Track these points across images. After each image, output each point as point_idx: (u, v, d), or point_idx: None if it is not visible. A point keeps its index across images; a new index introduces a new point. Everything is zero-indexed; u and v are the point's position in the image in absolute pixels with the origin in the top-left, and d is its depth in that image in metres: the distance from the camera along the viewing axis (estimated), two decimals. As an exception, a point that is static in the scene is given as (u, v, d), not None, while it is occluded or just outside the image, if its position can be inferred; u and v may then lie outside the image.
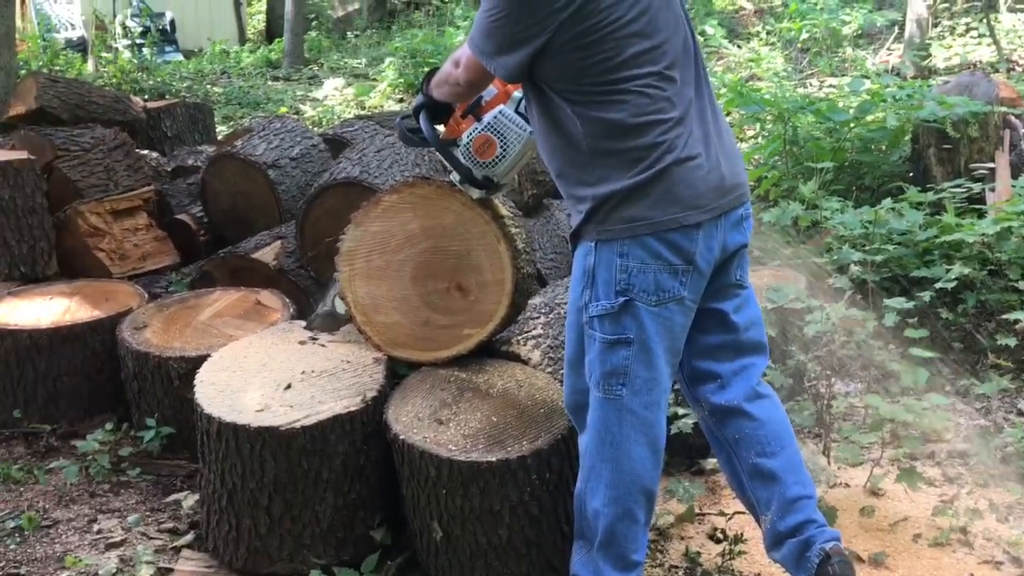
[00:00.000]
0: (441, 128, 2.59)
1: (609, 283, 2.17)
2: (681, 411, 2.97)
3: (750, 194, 2.33)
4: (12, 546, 2.84)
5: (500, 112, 2.51)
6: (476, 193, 2.67)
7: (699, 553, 2.74)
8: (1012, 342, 3.63)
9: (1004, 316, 3.83)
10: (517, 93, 2.48)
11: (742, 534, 2.71)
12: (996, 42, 10.26)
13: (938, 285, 3.88)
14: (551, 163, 2.29)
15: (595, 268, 2.19)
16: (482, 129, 2.52)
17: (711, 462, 3.16)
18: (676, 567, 2.70)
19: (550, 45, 2.10)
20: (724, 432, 2.36)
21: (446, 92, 2.44)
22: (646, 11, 2.12)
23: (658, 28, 2.14)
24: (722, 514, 2.92)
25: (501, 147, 2.53)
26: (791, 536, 2.29)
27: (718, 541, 2.80)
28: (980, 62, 10.66)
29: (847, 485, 3.09)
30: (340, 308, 3.02)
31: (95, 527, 2.96)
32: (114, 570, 2.67)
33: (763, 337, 2.41)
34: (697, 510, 2.94)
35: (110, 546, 2.84)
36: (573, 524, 2.40)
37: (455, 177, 2.64)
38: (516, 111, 2.50)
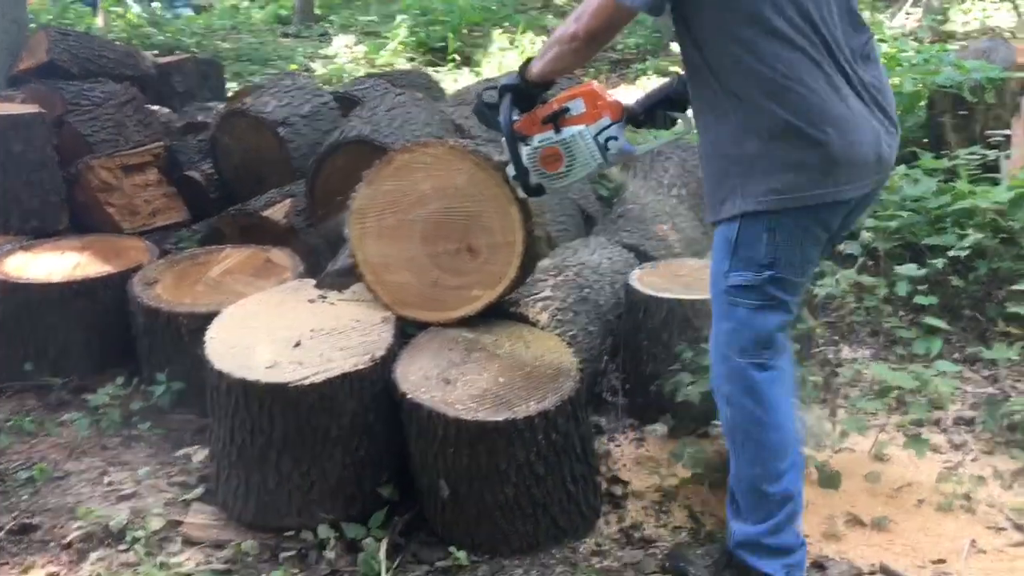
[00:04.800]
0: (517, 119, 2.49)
1: (755, 258, 2.16)
2: (688, 379, 2.98)
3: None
4: (25, 496, 2.88)
5: (580, 132, 2.40)
6: (521, 193, 2.61)
7: (702, 513, 2.76)
8: (1023, 310, 3.61)
9: (1015, 285, 3.81)
10: (604, 120, 2.39)
11: (746, 496, 2.72)
12: (1016, 7, 10.10)
13: (951, 253, 3.86)
14: (700, 129, 2.24)
15: (738, 239, 2.17)
16: (556, 141, 2.43)
17: (717, 426, 3.17)
18: (680, 527, 2.73)
19: None
20: None
21: (554, 55, 2.27)
22: None
23: None
24: (723, 479, 2.93)
25: (567, 166, 2.45)
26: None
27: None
28: (999, 27, 10.51)
29: (852, 450, 3.10)
30: (347, 233, 2.98)
31: (106, 479, 3.00)
32: (125, 521, 2.71)
33: None
34: (702, 473, 2.96)
35: (121, 498, 2.88)
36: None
37: (509, 171, 2.58)
38: (595, 138, 2.40)
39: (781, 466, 2.29)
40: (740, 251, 2.18)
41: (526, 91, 2.43)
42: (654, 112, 2.47)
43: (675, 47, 2.51)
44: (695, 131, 2.31)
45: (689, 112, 2.38)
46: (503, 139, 2.51)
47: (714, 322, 2.32)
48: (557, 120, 2.42)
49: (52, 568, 2.58)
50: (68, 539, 2.68)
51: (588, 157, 2.43)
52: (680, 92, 2.38)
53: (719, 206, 2.21)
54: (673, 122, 2.49)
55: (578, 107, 2.42)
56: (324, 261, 3.63)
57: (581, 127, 2.41)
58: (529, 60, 2.42)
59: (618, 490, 2.89)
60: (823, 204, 2.11)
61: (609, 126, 2.40)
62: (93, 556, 2.61)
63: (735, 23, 2.06)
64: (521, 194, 2.62)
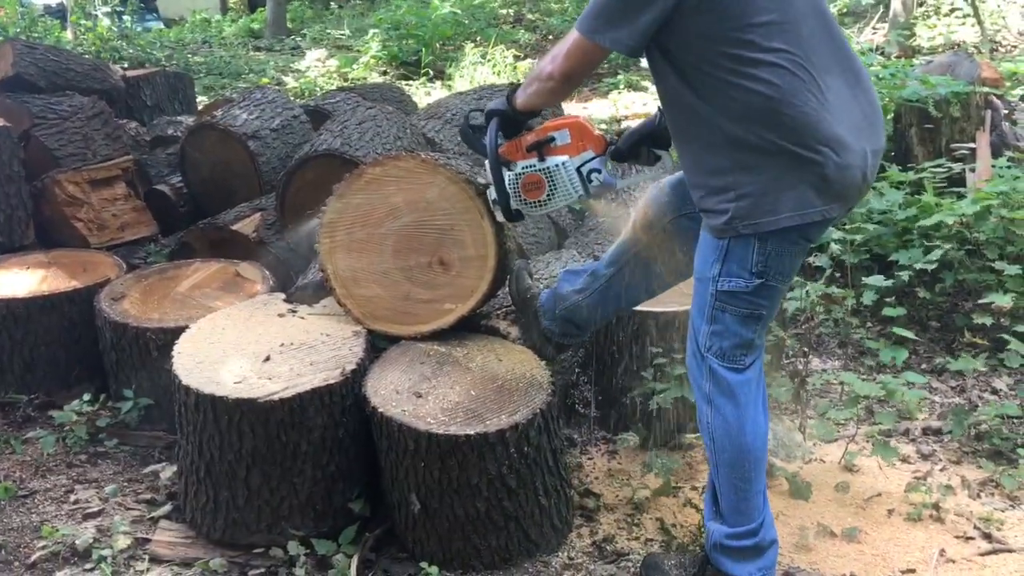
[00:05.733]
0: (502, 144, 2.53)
1: (745, 265, 2.17)
2: (659, 386, 2.99)
3: None
4: (-12, 516, 2.83)
5: (564, 163, 2.45)
6: (500, 217, 2.64)
7: (674, 525, 2.77)
8: (988, 321, 3.66)
9: (981, 295, 3.87)
10: (588, 153, 2.43)
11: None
12: (980, 22, 10.27)
13: (918, 266, 3.91)
14: (682, 152, 2.24)
15: (729, 247, 2.17)
16: (539, 169, 2.47)
17: (689, 437, 3.18)
18: (652, 540, 2.73)
19: (678, 9, 2.04)
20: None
21: (533, 91, 2.35)
22: None
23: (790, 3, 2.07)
24: (694, 489, 2.94)
25: (548, 195, 2.49)
26: None
27: (698, 509, 2.81)
28: (963, 42, 10.68)
29: (822, 461, 3.13)
30: (317, 246, 2.96)
31: (72, 497, 2.95)
32: (91, 540, 2.67)
33: None
34: (674, 484, 2.96)
35: (87, 516, 2.84)
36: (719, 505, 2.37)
37: (491, 194, 2.61)
38: (578, 170, 2.44)
39: (759, 466, 2.30)
40: (731, 258, 2.19)
41: (512, 117, 2.47)
42: (638, 148, 2.50)
43: (645, 61, 2.52)
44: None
45: (673, 149, 2.40)
46: (487, 163, 2.54)
47: (695, 316, 2.31)
48: (542, 148, 2.47)
49: (16, 588, 2.54)
50: (32, 559, 2.63)
51: (569, 187, 2.47)
52: (664, 128, 2.38)
53: (708, 210, 2.20)
54: (657, 158, 2.52)
55: (564, 137, 2.46)
56: (294, 275, 3.61)
57: (565, 158, 2.46)
58: (517, 86, 2.45)
59: (590, 503, 2.88)
60: (813, 223, 2.13)
61: (592, 159, 2.44)
62: (58, 575, 2.57)
63: (723, 51, 2.06)
64: (500, 218, 2.65)
